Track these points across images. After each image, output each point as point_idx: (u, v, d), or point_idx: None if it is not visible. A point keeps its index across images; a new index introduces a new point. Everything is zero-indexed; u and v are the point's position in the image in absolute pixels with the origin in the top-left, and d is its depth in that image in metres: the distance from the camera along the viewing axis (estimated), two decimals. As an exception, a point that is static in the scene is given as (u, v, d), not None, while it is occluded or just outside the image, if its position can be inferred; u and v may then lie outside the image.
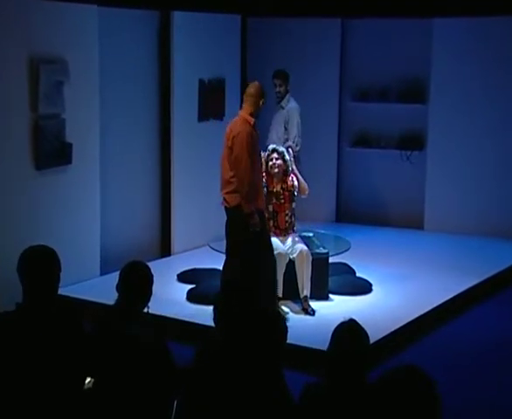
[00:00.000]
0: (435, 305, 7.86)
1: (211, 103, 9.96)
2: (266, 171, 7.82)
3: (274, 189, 7.86)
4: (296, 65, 10.60)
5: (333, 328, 3.85)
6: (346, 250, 8.28)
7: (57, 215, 8.10)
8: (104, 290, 6.10)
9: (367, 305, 7.83)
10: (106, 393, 4.19)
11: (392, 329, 7.18)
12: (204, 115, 9.92)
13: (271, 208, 7.82)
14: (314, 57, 11.16)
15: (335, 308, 7.70)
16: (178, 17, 9.52)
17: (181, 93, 9.62)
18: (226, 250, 7.37)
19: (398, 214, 11.18)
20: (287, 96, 9.50)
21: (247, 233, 7.04)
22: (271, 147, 8.02)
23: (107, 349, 4.24)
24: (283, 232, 7.88)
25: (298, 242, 7.83)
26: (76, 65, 8.12)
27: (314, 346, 6.53)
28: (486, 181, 10.59)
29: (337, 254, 8.25)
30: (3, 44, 7.49)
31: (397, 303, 7.97)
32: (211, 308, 4.41)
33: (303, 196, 8.02)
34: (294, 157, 8.46)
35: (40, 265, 3.99)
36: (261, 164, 7.58)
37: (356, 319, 3.89)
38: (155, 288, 4.50)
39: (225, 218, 7.29)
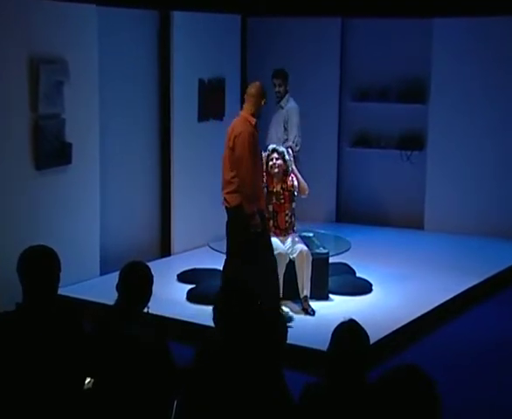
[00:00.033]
0: (435, 305, 7.86)
1: (211, 103, 9.95)
2: (267, 171, 7.82)
3: (274, 189, 7.86)
4: (296, 65, 10.59)
5: (333, 328, 3.85)
6: (346, 251, 8.29)
7: (57, 215, 8.10)
8: (104, 290, 6.11)
9: (367, 306, 7.83)
10: (106, 393, 4.19)
11: (392, 329, 7.18)
12: (203, 115, 9.91)
13: (271, 208, 7.81)
14: (314, 56, 11.16)
15: (335, 308, 7.71)
16: (178, 17, 9.51)
17: (181, 93, 9.61)
18: (227, 250, 7.37)
19: (398, 214, 11.17)
20: (287, 96, 9.49)
21: (248, 233, 7.04)
22: (271, 147, 8.02)
23: (106, 349, 4.24)
24: (283, 232, 7.88)
25: (298, 242, 7.83)
26: (76, 65, 8.12)
27: (314, 346, 6.53)
28: (486, 181, 10.59)
29: (337, 254, 8.26)
30: (3, 44, 7.49)
31: (397, 303, 7.97)
32: (210, 308, 4.40)
33: (303, 196, 8.01)
34: (294, 157, 8.45)
35: (40, 265, 3.99)
36: (262, 164, 7.58)
37: (356, 319, 3.89)
38: (155, 288, 4.50)
39: (226, 218, 7.30)
